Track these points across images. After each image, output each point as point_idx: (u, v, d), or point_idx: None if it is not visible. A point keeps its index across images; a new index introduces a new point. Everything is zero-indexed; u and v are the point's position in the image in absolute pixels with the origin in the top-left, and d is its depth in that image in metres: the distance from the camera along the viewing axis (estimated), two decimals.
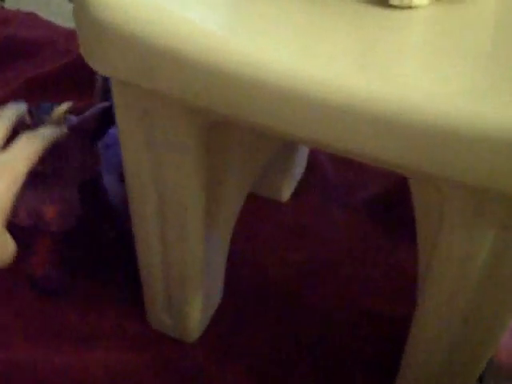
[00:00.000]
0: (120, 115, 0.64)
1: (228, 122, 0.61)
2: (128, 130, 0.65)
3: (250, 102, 0.53)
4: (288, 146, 0.99)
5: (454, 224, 0.55)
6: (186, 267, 0.76)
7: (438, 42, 0.55)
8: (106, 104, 0.80)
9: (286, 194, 1.03)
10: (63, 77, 1.23)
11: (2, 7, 1.52)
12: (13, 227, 0.62)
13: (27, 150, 0.63)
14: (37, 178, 0.76)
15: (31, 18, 1.41)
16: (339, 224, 1.00)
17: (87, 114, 0.79)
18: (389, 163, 0.53)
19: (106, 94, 0.95)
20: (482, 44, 0.54)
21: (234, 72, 0.52)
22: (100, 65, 0.58)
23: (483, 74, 0.51)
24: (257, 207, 1.01)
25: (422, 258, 0.64)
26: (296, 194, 1.05)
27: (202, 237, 0.73)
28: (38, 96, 1.19)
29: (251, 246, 0.96)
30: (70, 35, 1.33)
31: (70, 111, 0.78)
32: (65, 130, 0.70)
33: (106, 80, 0.95)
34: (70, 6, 0.58)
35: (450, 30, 0.57)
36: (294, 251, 0.96)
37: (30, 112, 0.73)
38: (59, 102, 0.78)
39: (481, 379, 0.75)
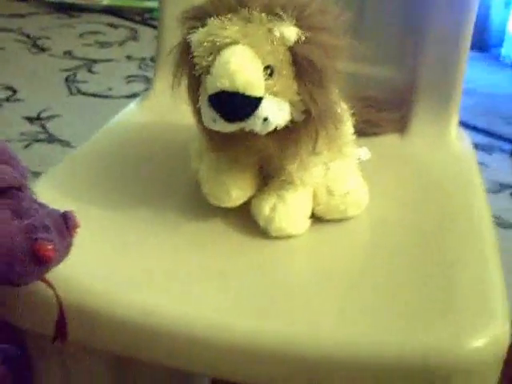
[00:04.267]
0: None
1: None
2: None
3: (152, 345, 0.60)
4: None
5: None
6: None
7: (314, 273, 0.64)
8: None
9: None
10: None
11: None
12: None
13: None
14: None
15: None
16: None
17: None
18: None
19: None
20: (353, 272, 0.63)
21: (137, 322, 0.59)
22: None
23: (357, 304, 0.59)
24: None
25: None
26: None
27: None
28: None
29: None
30: None
31: None
32: None
33: None
34: None
35: (325, 257, 0.66)
36: None
37: None
38: None
39: None
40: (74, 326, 0.61)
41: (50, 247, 0.56)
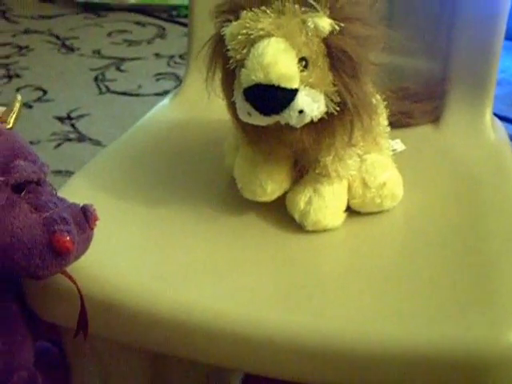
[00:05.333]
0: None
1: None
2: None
3: (186, 342, 0.60)
4: None
5: None
6: None
7: (350, 266, 0.63)
8: None
9: None
10: None
11: None
12: None
13: None
14: None
15: None
16: None
17: None
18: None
19: None
20: (388, 266, 0.63)
21: (175, 318, 0.59)
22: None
23: (391, 299, 0.59)
24: None
25: None
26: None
27: None
28: None
29: None
30: None
31: None
32: None
33: None
34: None
35: (360, 252, 0.65)
36: None
37: None
38: None
39: None
40: (107, 321, 0.62)
41: (68, 239, 0.56)
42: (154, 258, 0.65)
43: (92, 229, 0.60)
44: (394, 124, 0.78)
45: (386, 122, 0.74)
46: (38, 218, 0.57)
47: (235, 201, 0.70)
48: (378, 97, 0.72)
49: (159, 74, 2.08)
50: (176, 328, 0.59)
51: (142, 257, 0.65)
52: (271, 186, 0.67)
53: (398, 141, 0.80)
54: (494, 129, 0.85)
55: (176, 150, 0.81)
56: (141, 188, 0.74)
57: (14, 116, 0.64)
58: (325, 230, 0.67)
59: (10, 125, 0.64)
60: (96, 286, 0.61)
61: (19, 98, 0.66)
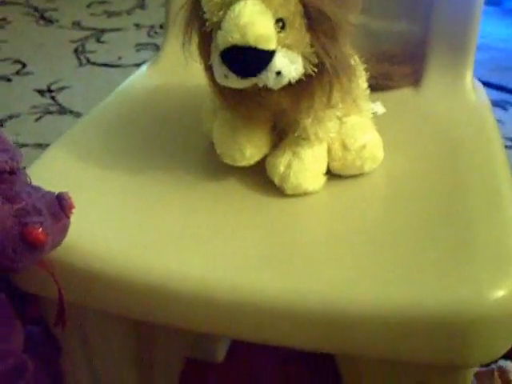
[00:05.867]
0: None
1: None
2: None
3: (168, 309, 0.60)
4: None
5: None
6: None
7: (331, 229, 0.63)
8: None
9: (220, 354, 1.07)
10: None
11: None
12: None
13: None
14: None
15: None
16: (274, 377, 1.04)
17: None
18: (304, 348, 0.59)
19: None
20: (370, 228, 0.63)
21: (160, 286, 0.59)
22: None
23: (373, 260, 0.59)
24: (193, 371, 1.04)
25: None
26: (230, 352, 1.09)
27: None
28: None
29: None
30: None
31: None
32: None
33: None
34: None
35: (341, 215, 0.65)
36: None
37: None
38: None
39: None
40: (89, 290, 0.61)
41: (40, 231, 0.55)
42: (133, 226, 0.64)
43: (68, 217, 0.59)
44: (374, 87, 0.77)
45: (365, 85, 0.73)
46: (9, 209, 0.56)
47: (214, 166, 0.70)
48: (357, 59, 0.71)
49: (139, 44, 2.07)
50: (158, 295, 0.59)
51: (121, 225, 0.65)
52: (250, 151, 0.67)
53: (379, 103, 0.80)
54: (475, 92, 0.85)
55: (154, 116, 0.81)
56: (119, 156, 0.74)
57: None
58: (305, 194, 0.66)
59: None
60: (76, 255, 0.61)
61: None
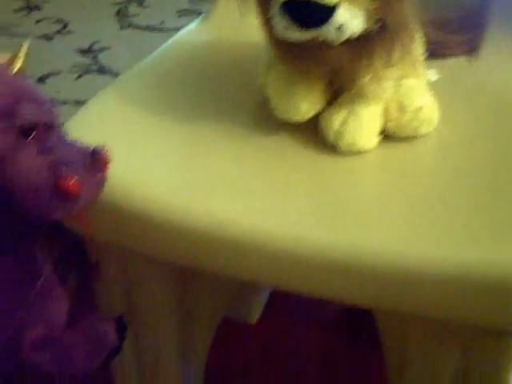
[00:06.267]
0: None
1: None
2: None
3: (214, 255, 0.59)
4: None
5: (420, 348, 0.61)
6: None
7: (384, 188, 0.62)
8: None
9: (255, 315, 1.08)
10: None
11: None
12: None
13: None
14: None
15: None
16: (308, 342, 1.04)
17: None
18: (352, 302, 0.59)
19: None
20: (424, 189, 0.62)
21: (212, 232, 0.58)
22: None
23: (427, 220, 0.58)
24: (227, 330, 1.04)
25: (391, 377, 0.69)
26: (265, 314, 1.09)
27: (178, 370, 0.77)
28: None
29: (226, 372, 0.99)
30: None
31: None
32: None
33: None
34: None
35: (395, 174, 0.64)
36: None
37: None
38: None
39: None
40: (135, 234, 0.61)
41: (73, 182, 0.55)
42: (183, 171, 0.64)
43: (103, 171, 0.59)
44: (429, 54, 0.76)
45: (421, 51, 0.72)
46: (44, 161, 0.56)
47: (267, 121, 0.69)
48: (415, 24, 0.70)
49: (181, 10, 2.05)
50: (204, 240, 0.58)
51: (171, 169, 0.64)
52: (305, 106, 0.66)
53: (433, 71, 0.78)
54: None
55: (206, 71, 0.80)
56: (168, 108, 0.73)
57: (20, 61, 0.63)
58: (359, 152, 0.66)
59: (16, 69, 0.63)
60: (124, 197, 0.61)
61: (27, 44, 0.64)
